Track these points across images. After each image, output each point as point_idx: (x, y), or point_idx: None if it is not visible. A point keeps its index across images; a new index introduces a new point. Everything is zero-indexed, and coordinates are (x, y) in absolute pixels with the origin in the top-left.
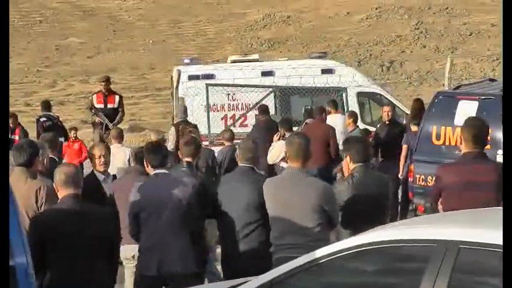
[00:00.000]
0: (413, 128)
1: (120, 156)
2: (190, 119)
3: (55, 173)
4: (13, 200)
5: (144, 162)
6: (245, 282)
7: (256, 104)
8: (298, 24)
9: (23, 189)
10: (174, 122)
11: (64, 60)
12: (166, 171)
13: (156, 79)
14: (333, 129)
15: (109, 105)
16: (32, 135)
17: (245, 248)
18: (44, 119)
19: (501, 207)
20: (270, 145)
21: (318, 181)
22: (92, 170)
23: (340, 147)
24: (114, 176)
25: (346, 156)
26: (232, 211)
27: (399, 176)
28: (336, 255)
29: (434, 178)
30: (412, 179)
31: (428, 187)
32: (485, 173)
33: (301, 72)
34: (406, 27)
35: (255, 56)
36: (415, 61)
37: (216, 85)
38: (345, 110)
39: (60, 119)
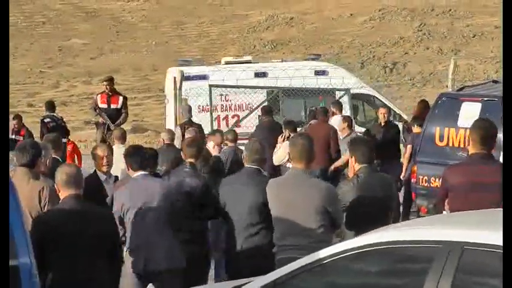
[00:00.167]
0: (416, 129)
1: (122, 157)
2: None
3: (56, 173)
4: (17, 200)
5: (126, 166)
6: (248, 282)
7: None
8: (301, 26)
9: (26, 189)
10: (179, 123)
11: (67, 61)
12: (147, 173)
13: (159, 80)
14: (335, 130)
15: (112, 106)
16: (36, 135)
17: (248, 249)
18: (48, 119)
19: None
20: (273, 146)
21: (322, 182)
22: (95, 170)
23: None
24: (116, 177)
25: (351, 157)
26: (236, 212)
27: (401, 177)
28: (339, 256)
29: (440, 179)
30: (415, 180)
31: (431, 188)
32: (491, 174)
33: (294, 73)
34: (409, 28)
35: (248, 58)
36: (418, 63)
37: (218, 86)
38: (349, 111)
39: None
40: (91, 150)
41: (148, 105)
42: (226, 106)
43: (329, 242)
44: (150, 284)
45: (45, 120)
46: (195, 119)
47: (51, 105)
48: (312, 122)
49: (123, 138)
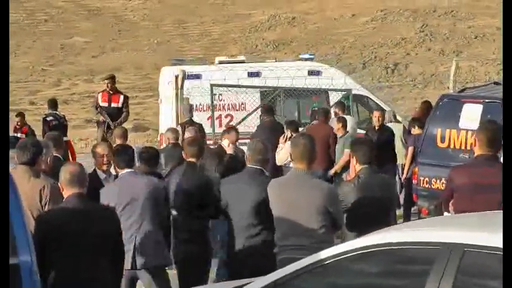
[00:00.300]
0: (415, 130)
1: None
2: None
3: (60, 172)
4: (18, 198)
5: (113, 164)
6: (249, 283)
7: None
8: (303, 26)
9: (27, 188)
10: (180, 122)
11: (69, 59)
12: (133, 171)
13: None
14: (334, 131)
15: (113, 104)
16: (38, 133)
17: (250, 249)
18: (51, 118)
19: None
20: (275, 146)
21: (323, 183)
22: (94, 169)
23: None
24: (116, 176)
25: (352, 158)
26: (238, 212)
27: (403, 178)
28: (340, 257)
29: (441, 180)
30: (416, 181)
31: (432, 190)
32: (496, 175)
33: (287, 73)
34: (411, 29)
35: (242, 57)
36: (419, 64)
37: (221, 85)
38: (351, 112)
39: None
40: (91, 149)
41: (149, 104)
42: (219, 106)
43: (331, 242)
44: (139, 281)
45: (48, 119)
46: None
47: (53, 103)
48: (314, 122)
49: (124, 137)
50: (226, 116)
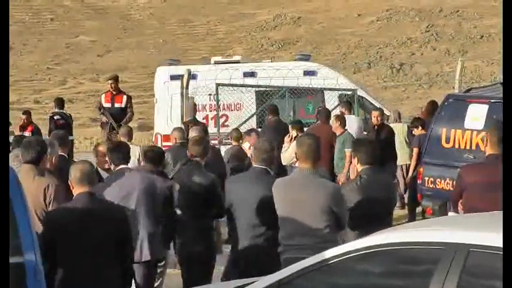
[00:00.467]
0: (416, 131)
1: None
2: (174, 119)
3: (70, 170)
4: (23, 196)
5: (108, 161)
6: (253, 282)
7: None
8: (308, 25)
9: (32, 187)
10: (183, 121)
11: (74, 58)
12: (127, 167)
13: None
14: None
15: (116, 105)
16: (44, 132)
17: (254, 248)
18: (58, 116)
19: None
20: (280, 146)
21: (328, 182)
22: (96, 167)
23: None
24: None
25: (354, 158)
26: (243, 211)
27: (407, 178)
28: (344, 257)
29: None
30: (420, 181)
31: (437, 189)
32: None
33: (283, 73)
34: (416, 29)
35: (237, 57)
36: (425, 63)
37: (225, 85)
38: (356, 111)
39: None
40: (93, 147)
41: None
42: (214, 106)
43: (335, 242)
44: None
45: (55, 117)
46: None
47: (60, 102)
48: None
49: (129, 135)
50: (221, 116)
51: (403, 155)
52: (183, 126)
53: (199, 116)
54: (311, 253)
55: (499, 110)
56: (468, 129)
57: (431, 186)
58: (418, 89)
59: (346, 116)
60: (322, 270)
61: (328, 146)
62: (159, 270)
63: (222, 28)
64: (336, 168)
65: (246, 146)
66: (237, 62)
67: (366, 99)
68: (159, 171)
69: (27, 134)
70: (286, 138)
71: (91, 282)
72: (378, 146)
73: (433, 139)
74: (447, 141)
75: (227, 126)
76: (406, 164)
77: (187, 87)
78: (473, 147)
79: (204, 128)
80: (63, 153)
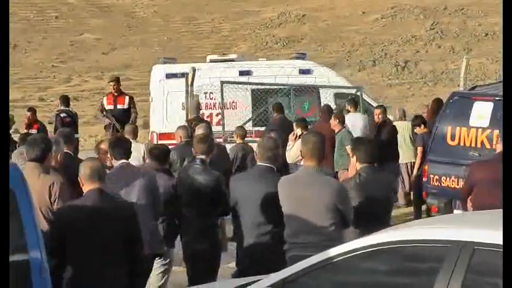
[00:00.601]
0: (420, 129)
1: (135, 153)
2: (169, 117)
3: (80, 167)
4: (29, 194)
5: (109, 156)
6: (258, 280)
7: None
8: (313, 23)
9: (37, 184)
10: (187, 119)
11: (79, 56)
12: (128, 162)
13: None
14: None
15: (119, 106)
16: (50, 130)
17: (259, 246)
18: (64, 114)
19: None
20: (284, 143)
21: (333, 180)
22: None
23: None
24: None
25: (353, 157)
26: (247, 210)
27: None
28: (349, 255)
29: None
30: (426, 179)
31: (442, 187)
32: None
33: (278, 72)
34: (421, 27)
35: (233, 56)
36: (430, 61)
37: (231, 83)
38: (361, 109)
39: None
40: (95, 145)
41: None
42: (210, 104)
43: (340, 240)
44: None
45: (61, 115)
46: (178, 118)
47: (66, 100)
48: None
49: (134, 133)
50: (217, 115)
51: (408, 153)
52: (186, 124)
53: None
54: (316, 251)
55: None
56: (473, 127)
57: (436, 184)
58: (423, 87)
59: (352, 114)
60: (327, 268)
61: (329, 144)
62: (163, 268)
63: (226, 26)
64: (336, 165)
65: None
66: (233, 60)
67: (362, 98)
68: (164, 169)
69: (33, 131)
70: (291, 136)
71: (99, 280)
72: (377, 145)
73: (438, 137)
74: (452, 139)
75: (221, 124)
76: (411, 162)
77: (192, 85)
78: (479, 145)
79: (209, 126)
80: (68, 151)
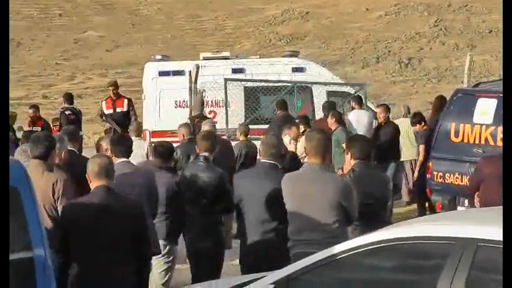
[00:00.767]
0: (419, 127)
1: (138, 150)
2: (162, 115)
3: (88, 164)
4: (33, 191)
5: (110, 153)
6: (262, 277)
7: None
8: (316, 20)
9: (41, 182)
10: (190, 116)
11: (82, 53)
12: (128, 160)
13: None
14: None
15: (118, 110)
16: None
17: (263, 243)
18: (69, 112)
19: None
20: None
21: (337, 177)
22: None
23: None
24: None
25: (347, 154)
26: (251, 207)
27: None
28: (353, 252)
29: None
30: (430, 176)
31: (446, 184)
32: None
33: (271, 69)
34: (425, 24)
35: (226, 53)
36: (433, 58)
37: (234, 80)
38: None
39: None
40: (95, 142)
41: None
42: (205, 102)
43: (344, 237)
44: None
45: (67, 113)
46: (171, 116)
47: (69, 97)
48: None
49: (137, 131)
50: (209, 113)
51: (412, 150)
52: (189, 122)
53: (187, 112)
54: (320, 248)
55: None
56: (477, 124)
57: (440, 180)
58: (427, 84)
59: (357, 111)
60: (330, 265)
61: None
62: (166, 266)
63: (230, 23)
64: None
65: (286, 140)
66: (226, 58)
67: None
68: (168, 167)
69: (37, 129)
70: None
71: (106, 278)
72: (371, 144)
73: (442, 134)
74: (456, 136)
75: (215, 123)
76: (415, 159)
77: (195, 82)
78: (482, 142)
79: (212, 123)
80: (73, 149)
